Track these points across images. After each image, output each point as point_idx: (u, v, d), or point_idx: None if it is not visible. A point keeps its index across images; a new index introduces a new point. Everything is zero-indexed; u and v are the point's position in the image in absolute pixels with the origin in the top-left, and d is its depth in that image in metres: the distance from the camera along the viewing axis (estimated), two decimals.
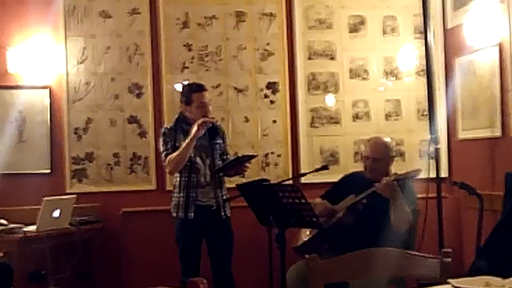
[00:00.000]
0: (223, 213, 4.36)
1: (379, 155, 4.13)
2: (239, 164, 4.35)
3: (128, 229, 5.01)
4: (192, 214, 4.24)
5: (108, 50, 5.15)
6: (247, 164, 4.40)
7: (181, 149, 4.21)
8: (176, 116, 4.46)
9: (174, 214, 4.34)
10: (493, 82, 4.43)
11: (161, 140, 4.38)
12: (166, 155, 4.29)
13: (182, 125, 4.36)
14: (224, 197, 4.37)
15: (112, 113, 5.15)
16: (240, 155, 4.52)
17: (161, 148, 4.37)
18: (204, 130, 4.23)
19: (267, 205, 3.72)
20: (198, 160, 4.31)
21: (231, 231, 4.41)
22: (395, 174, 4.05)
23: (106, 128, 5.14)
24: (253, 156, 4.55)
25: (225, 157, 4.48)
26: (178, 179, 4.33)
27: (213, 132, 4.38)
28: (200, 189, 4.29)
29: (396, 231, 3.86)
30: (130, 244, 5.02)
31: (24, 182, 5.01)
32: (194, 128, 4.19)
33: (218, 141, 4.44)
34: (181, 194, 4.28)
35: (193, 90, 4.35)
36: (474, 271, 3.40)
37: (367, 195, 4.02)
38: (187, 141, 4.20)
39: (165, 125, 4.49)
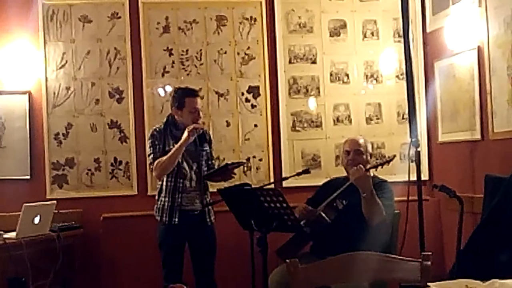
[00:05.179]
0: (208, 219, 4.35)
1: (360, 147, 4.17)
2: (227, 171, 4.34)
3: (109, 235, 4.96)
4: (177, 220, 4.22)
5: (88, 55, 5.12)
6: (235, 171, 4.40)
7: (170, 154, 4.18)
8: (165, 118, 4.41)
9: (158, 218, 4.30)
10: (472, 85, 4.47)
11: (149, 141, 4.33)
12: (154, 158, 4.25)
13: (171, 128, 4.32)
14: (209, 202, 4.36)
15: (93, 118, 5.12)
16: (229, 162, 4.49)
17: (149, 150, 4.32)
18: (194, 137, 4.21)
19: (249, 210, 3.70)
20: (185, 165, 4.28)
21: (215, 237, 4.39)
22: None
23: (87, 133, 5.11)
24: (241, 163, 4.56)
25: (210, 162, 4.47)
26: (164, 183, 4.29)
27: (201, 138, 4.37)
28: (185, 194, 4.27)
29: (369, 223, 3.88)
30: (111, 250, 4.98)
31: (3, 188, 4.97)
32: (185, 134, 4.17)
33: (205, 148, 4.42)
34: (167, 199, 4.25)
35: (186, 95, 4.31)
36: (454, 274, 3.42)
37: (345, 189, 4.04)
38: (176, 146, 4.18)
39: (155, 127, 4.42)
